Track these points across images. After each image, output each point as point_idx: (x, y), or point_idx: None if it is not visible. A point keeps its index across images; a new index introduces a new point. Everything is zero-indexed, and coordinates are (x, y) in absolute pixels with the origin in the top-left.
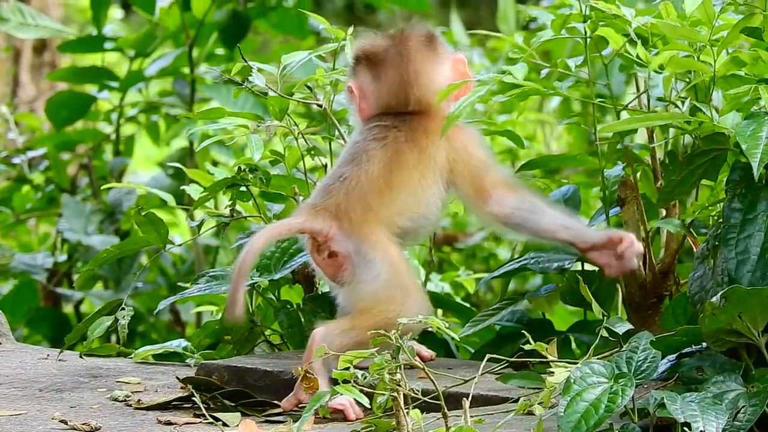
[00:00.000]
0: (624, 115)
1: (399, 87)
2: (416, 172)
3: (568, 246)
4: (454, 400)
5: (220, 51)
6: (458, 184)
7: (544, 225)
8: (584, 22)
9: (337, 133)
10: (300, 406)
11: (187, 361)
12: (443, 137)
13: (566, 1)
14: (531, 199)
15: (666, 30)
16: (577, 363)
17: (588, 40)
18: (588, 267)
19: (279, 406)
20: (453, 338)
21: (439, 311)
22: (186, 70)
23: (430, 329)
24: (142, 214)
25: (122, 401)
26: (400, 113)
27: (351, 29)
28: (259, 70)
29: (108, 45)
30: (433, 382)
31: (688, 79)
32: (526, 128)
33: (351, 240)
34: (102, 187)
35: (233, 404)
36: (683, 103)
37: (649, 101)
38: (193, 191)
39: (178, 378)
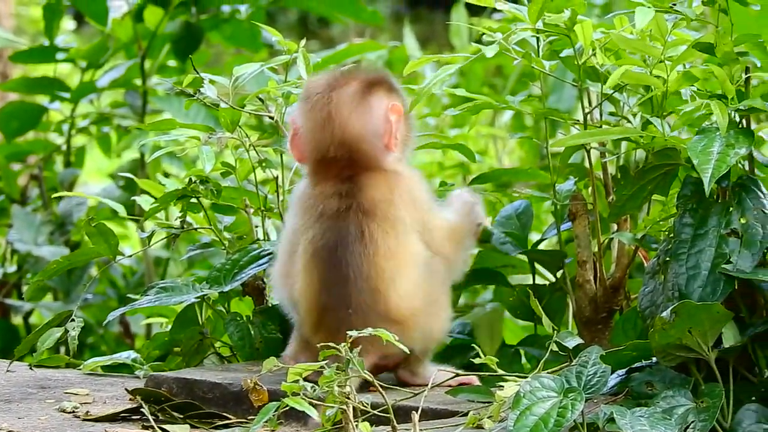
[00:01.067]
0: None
1: (322, 130)
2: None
3: None
4: (403, 414)
5: (172, 63)
6: None
7: None
8: (537, 34)
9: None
10: None
11: (136, 372)
12: (391, 191)
13: (519, 16)
14: (467, 243)
15: (620, 43)
16: (526, 377)
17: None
18: (539, 281)
19: (228, 418)
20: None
21: None
22: (138, 81)
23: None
24: (93, 225)
25: (71, 413)
26: (344, 175)
27: (303, 42)
28: (211, 81)
29: (60, 56)
30: (383, 395)
31: (640, 94)
32: (478, 142)
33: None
34: (53, 196)
35: (182, 416)
36: (635, 117)
37: (601, 115)
38: (144, 202)
39: (126, 390)
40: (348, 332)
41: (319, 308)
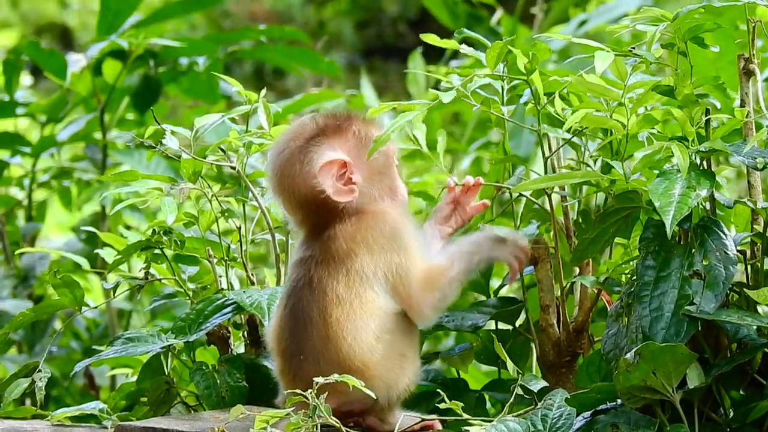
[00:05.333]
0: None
1: (279, 191)
2: (351, 300)
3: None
4: None
5: (131, 116)
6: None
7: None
8: (501, 80)
9: (250, 195)
10: None
11: (103, 422)
12: (351, 239)
13: (477, 57)
14: (445, 288)
15: (580, 86)
16: (492, 421)
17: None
18: (502, 326)
19: None
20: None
21: None
22: (98, 135)
23: None
24: (58, 276)
25: None
26: (316, 223)
27: (263, 92)
28: (173, 133)
29: (20, 110)
30: None
31: (600, 139)
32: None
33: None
34: (16, 252)
35: None
36: (596, 161)
37: (561, 160)
38: (108, 255)
39: None
40: (309, 379)
41: (281, 354)
